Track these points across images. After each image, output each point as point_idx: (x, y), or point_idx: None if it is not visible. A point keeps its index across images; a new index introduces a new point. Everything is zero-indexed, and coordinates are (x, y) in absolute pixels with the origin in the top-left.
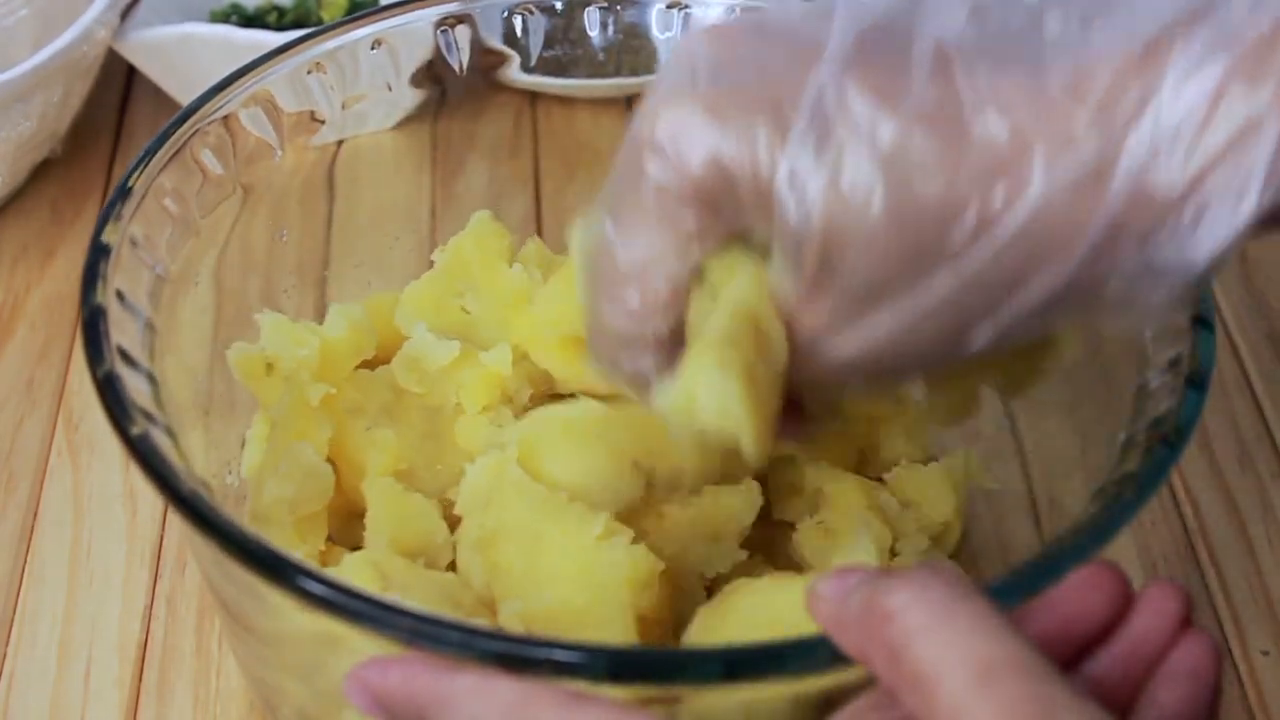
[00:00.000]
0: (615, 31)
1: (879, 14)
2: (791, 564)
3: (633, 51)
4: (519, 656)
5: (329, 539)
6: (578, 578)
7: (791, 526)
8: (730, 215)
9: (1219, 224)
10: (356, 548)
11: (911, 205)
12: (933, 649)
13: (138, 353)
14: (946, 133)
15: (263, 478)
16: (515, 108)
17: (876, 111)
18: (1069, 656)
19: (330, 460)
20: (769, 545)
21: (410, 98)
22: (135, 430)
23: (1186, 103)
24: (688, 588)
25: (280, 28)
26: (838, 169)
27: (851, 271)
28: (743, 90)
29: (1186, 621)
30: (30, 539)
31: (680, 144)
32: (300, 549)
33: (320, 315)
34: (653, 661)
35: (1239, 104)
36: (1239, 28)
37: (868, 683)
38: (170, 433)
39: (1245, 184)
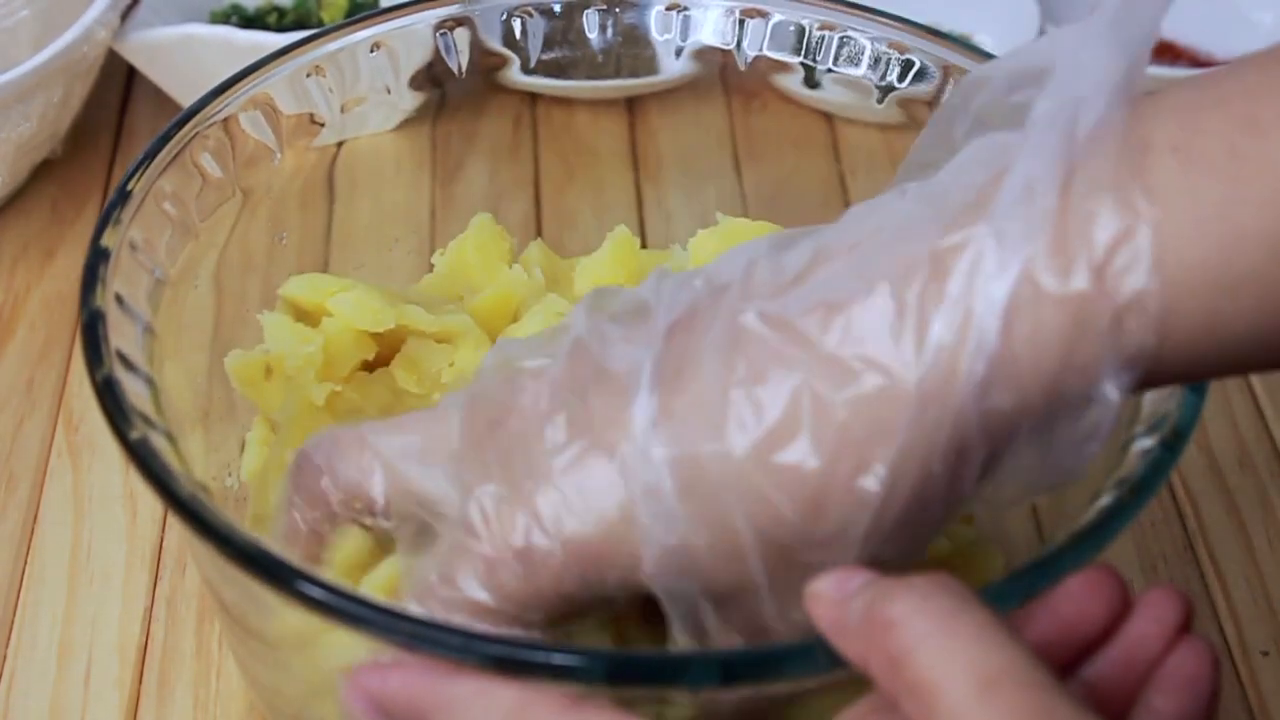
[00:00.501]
0: (614, 33)
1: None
2: None
3: (632, 54)
4: (517, 660)
5: None
6: None
7: None
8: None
9: (1091, 428)
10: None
11: (772, 517)
12: (934, 658)
13: (137, 357)
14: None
15: (265, 480)
16: (515, 109)
17: (700, 436)
18: (1067, 660)
19: None
20: None
21: (410, 100)
22: (134, 434)
23: (1002, 311)
24: None
25: (280, 29)
26: (688, 510)
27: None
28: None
29: (1185, 627)
30: (30, 539)
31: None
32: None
33: None
34: (650, 665)
35: (1062, 292)
36: (1021, 214)
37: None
38: (169, 436)
39: (1096, 377)
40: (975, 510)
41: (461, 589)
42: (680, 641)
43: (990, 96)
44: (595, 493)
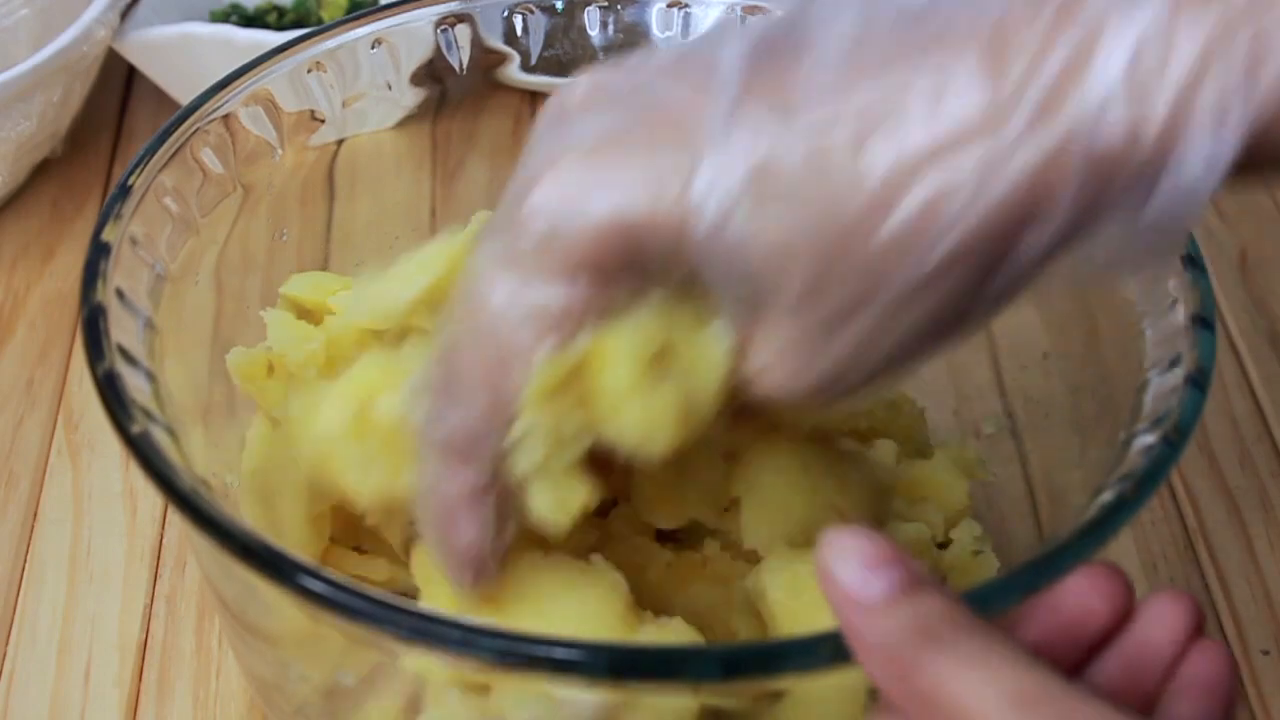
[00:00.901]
0: (616, 31)
1: (769, 27)
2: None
3: (633, 51)
4: (519, 654)
5: (331, 539)
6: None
7: None
8: (629, 278)
9: (1198, 165)
10: (358, 548)
11: (834, 221)
12: (965, 686)
13: (138, 351)
14: (854, 141)
15: (264, 477)
16: (515, 107)
17: (782, 128)
18: (1074, 659)
19: None
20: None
21: (410, 97)
22: (135, 429)
23: (1130, 43)
24: None
25: (280, 27)
26: (757, 194)
27: (796, 298)
28: (631, 134)
29: (1198, 631)
30: (30, 538)
31: (568, 214)
32: (302, 548)
33: None
34: (652, 660)
35: (1192, 29)
36: None
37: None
38: (170, 431)
39: (1223, 113)
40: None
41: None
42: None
43: None
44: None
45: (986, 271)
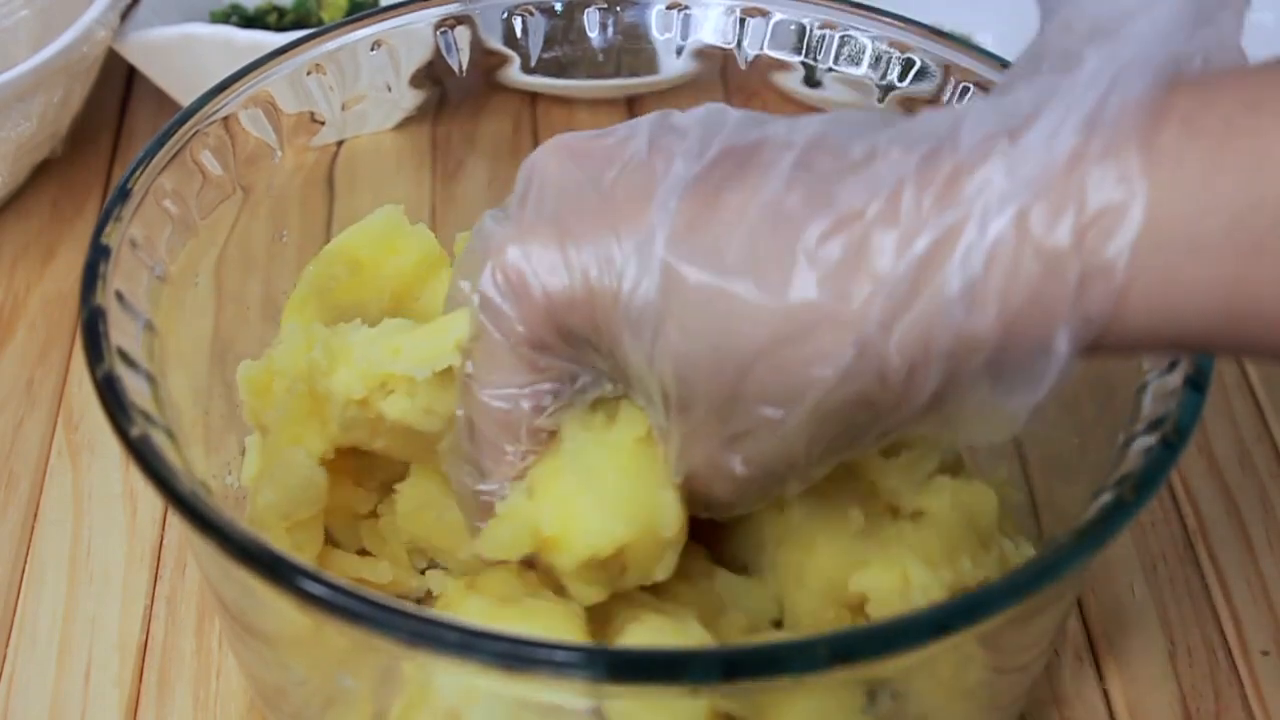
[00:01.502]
0: (615, 32)
1: (726, 138)
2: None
3: (632, 52)
4: (519, 656)
5: (331, 543)
6: None
7: None
8: (580, 349)
9: (1037, 376)
10: (361, 551)
11: (733, 354)
12: None
13: (137, 353)
14: (766, 284)
15: (259, 484)
16: (515, 108)
17: (702, 256)
18: None
19: (325, 465)
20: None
21: (410, 98)
22: (135, 431)
23: (991, 242)
24: None
25: (280, 28)
26: (663, 310)
27: (698, 406)
28: (586, 216)
29: None
30: (30, 539)
31: (526, 275)
32: (295, 555)
33: None
34: (653, 662)
35: (1043, 240)
36: (1036, 158)
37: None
38: (170, 433)
39: (1052, 327)
40: (930, 432)
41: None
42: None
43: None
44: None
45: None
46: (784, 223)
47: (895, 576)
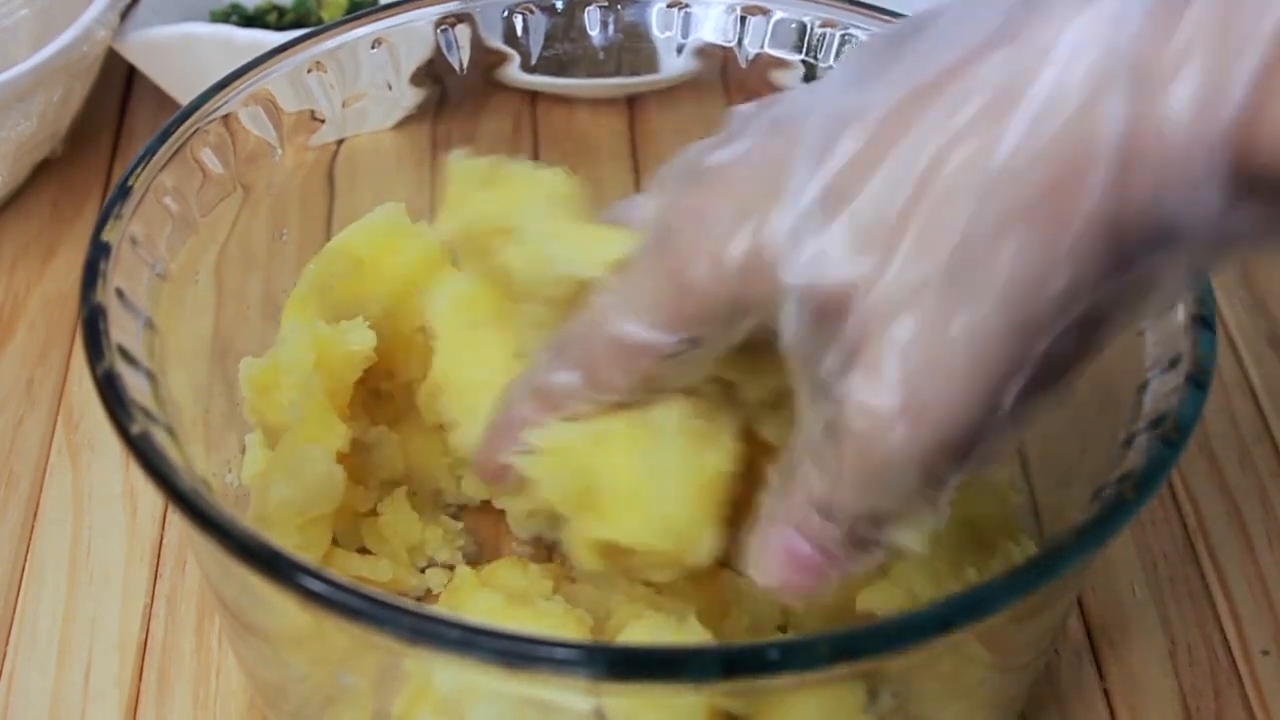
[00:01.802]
0: (616, 31)
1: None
2: None
3: (633, 51)
4: (519, 654)
5: (331, 541)
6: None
7: None
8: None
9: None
10: (362, 550)
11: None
12: None
13: (137, 351)
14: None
15: (268, 481)
16: (515, 107)
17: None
18: None
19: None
20: None
21: (410, 97)
22: (135, 428)
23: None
24: None
25: (280, 27)
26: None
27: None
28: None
29: None
30: (30, 538)
31: (709, 221)
32: (304, 552)
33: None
34: (653, 659)
35: None
36: None
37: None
38: (170, 431)
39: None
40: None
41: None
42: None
43: None
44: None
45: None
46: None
47: (901, 593)
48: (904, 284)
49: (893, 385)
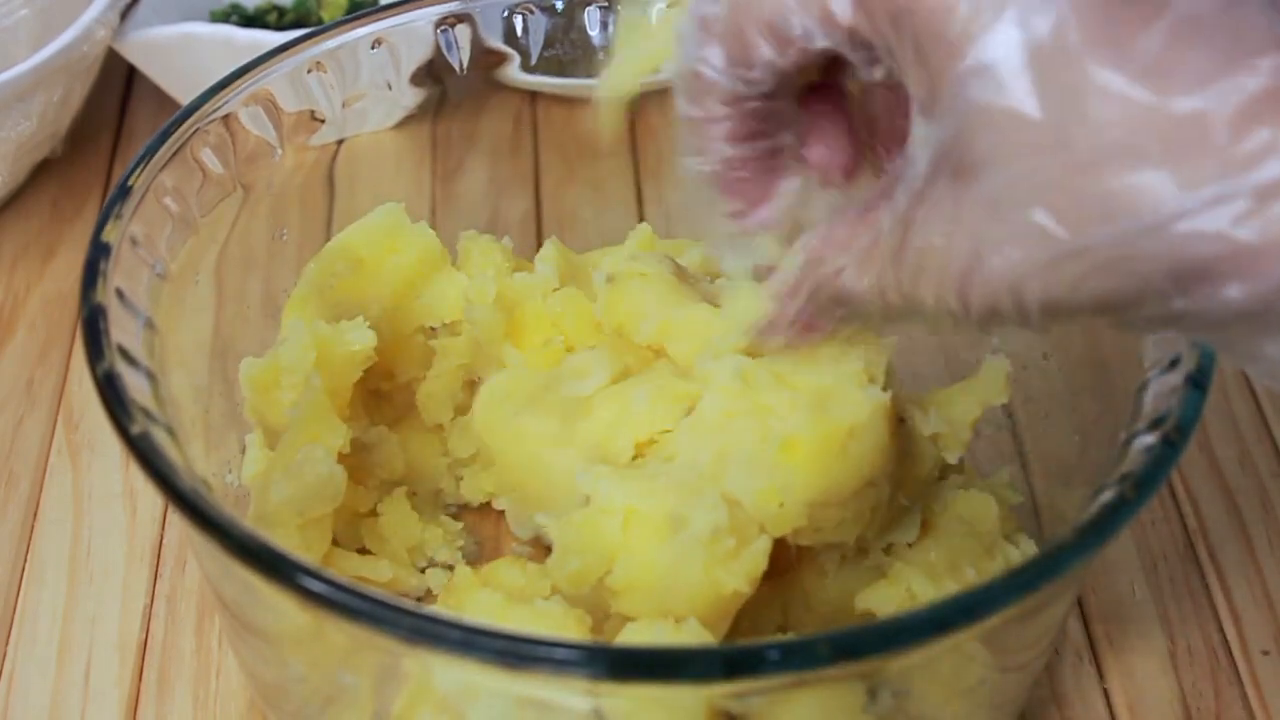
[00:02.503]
0: (615, 30)
1: None
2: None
3: None
4: (519, 654)
5: (331, 541)
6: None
7: None
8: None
9: None
10: (362, 550)
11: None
12: None
13: (138, 351)
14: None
15: (268, 481)
16: (515, 107)
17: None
18: None
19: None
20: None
21: (410, 97)
22: (135, 428)
23: None
24: None
25: (280, 27)
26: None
27: (995, 178)
28: None
29: None
30: (30, 538)
31: None
32: (304, 552)
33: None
34: (653, 660)
35: None
36: None
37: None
38: (170, 431)
39: None
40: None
41: None
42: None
43: None
44: None
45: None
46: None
47: (900, 592)
48: None
49: None
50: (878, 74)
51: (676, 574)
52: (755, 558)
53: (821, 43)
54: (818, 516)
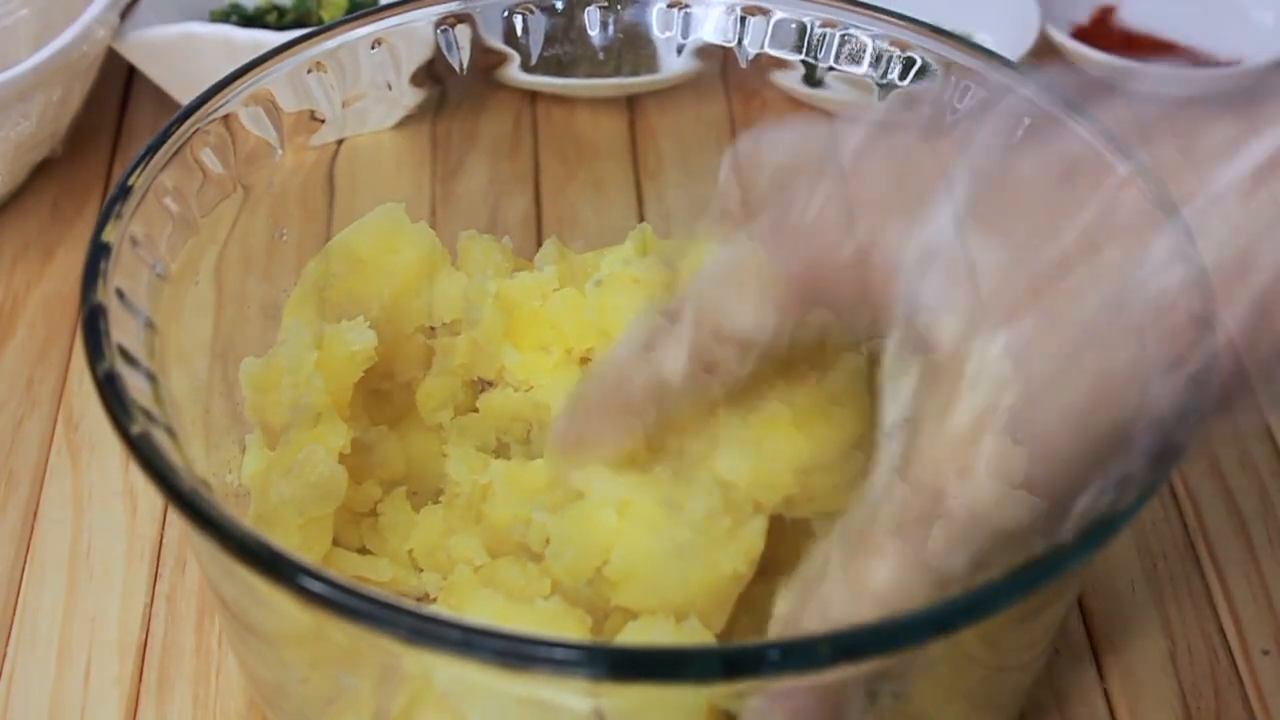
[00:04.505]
0: (615, 31)
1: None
2: None
3: (633, 51)
4: (519, 654)
5: (333, 542)
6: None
7: None
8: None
9: None
10: (362, 550)
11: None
12: None
13: (138, 351)
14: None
15: (268, 481)
16: (515, 107)
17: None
18: None
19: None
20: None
21: (410, 97)
22: (135, 429)
23: None
24: None
25: (280, 27)
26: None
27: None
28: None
29: None
30: (30, 538)
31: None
32: (304, 552)
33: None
34: (652, 660)
35: None
36: None
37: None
38: (170, 431)
39: None
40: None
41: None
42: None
43: None
44: None
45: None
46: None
47: None
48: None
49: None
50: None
51: (674, 559)
52: (752, 537)
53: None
54: (809, 484)
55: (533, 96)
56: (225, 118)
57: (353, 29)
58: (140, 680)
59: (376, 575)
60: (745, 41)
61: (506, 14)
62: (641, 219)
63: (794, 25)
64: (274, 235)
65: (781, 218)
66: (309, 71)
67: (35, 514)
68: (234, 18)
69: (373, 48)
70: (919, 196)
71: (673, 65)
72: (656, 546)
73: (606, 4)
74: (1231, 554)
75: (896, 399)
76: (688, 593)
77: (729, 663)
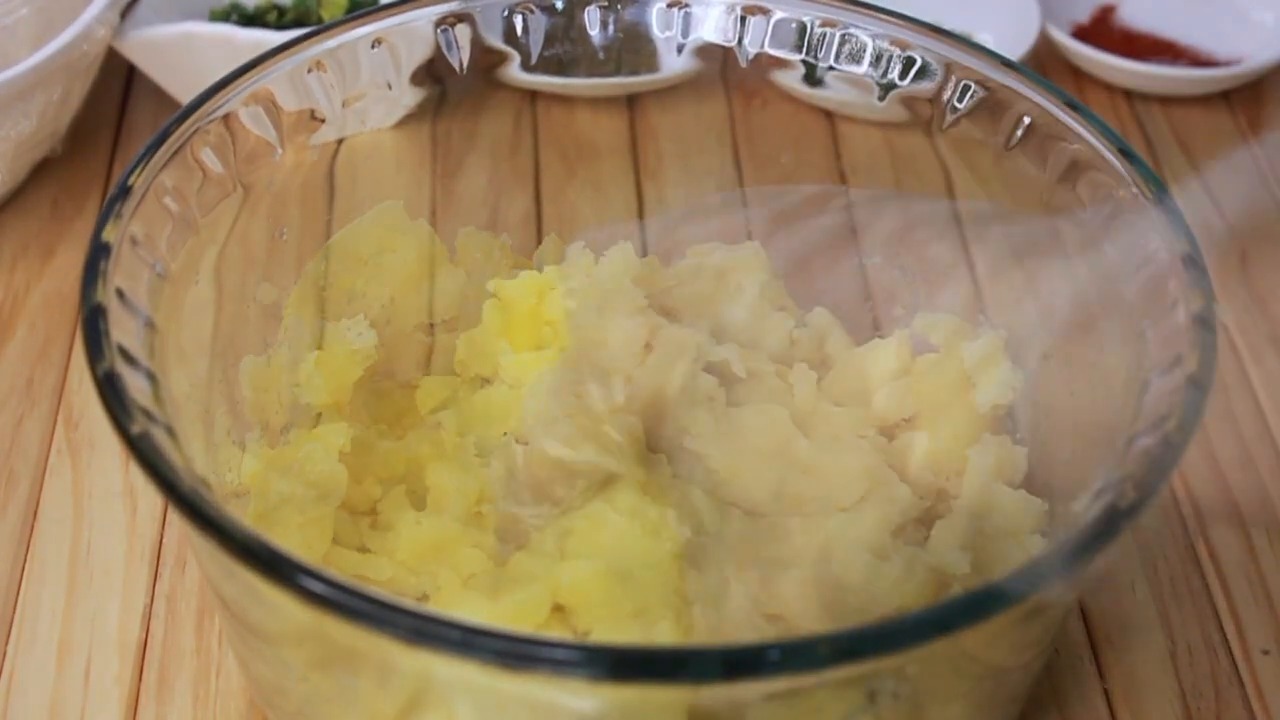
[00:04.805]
0: (615, 30)
1: None
2: None
3: (633, 50)
4: (519, 654)
5: (333, 542)
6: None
7: None
8: None
9: None
10: (362, 549)
11: None
12: None
13: (138, 351)
14: None
15: (269, 480)
16: (515, 106)
17: None
18: None
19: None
20: None
21: (410, 96)
22: (135, 429)
23: None
24: None
25: (280, 27)
26: None
27: None
28: None
29: None
30: (30, 538)
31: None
32: (304, 552)
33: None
34: (652, 660)
35: None
36: None
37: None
38: (170, 431)
39: None
40: None
41: None
42: None
43: None
44: None
45: None
46: None
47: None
48: None
49: None
50: None
51: (617, 569)
52: (674, 512)
53: None
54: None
55: (533, 96)
56: (225, 117)
57: (353, 28)
58: (140, 680)
59: (376, 575)
60: (745, 41)
61: (506, 13)
62: (641, 219)
63: (794, 25)
64: (274, 235)
65: None
66: (309, 71)
67: (35, 513)
68: (234, 17)
69: (373, 47)
70: None
71: (673, 65)
72: (603, 562)
73: (606, 3)
74: (1231, 554)
75: (897, 399)
76: (642, 594)
77: (728, 663)
